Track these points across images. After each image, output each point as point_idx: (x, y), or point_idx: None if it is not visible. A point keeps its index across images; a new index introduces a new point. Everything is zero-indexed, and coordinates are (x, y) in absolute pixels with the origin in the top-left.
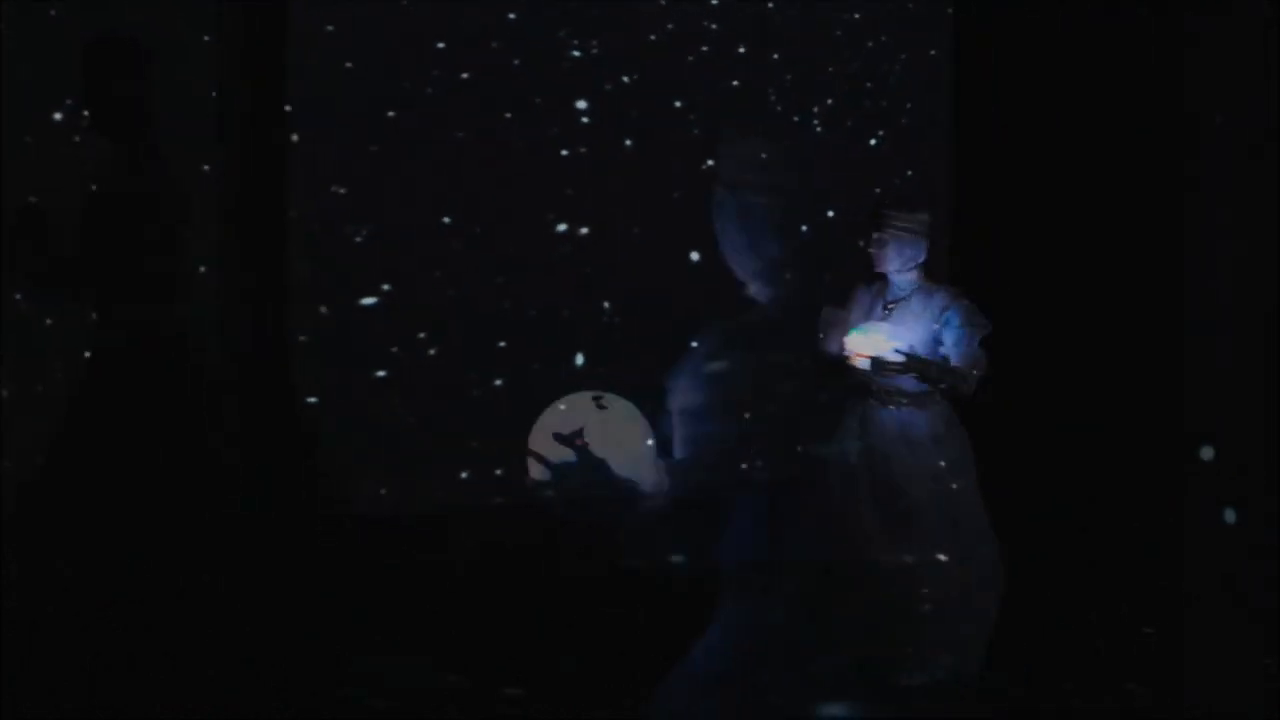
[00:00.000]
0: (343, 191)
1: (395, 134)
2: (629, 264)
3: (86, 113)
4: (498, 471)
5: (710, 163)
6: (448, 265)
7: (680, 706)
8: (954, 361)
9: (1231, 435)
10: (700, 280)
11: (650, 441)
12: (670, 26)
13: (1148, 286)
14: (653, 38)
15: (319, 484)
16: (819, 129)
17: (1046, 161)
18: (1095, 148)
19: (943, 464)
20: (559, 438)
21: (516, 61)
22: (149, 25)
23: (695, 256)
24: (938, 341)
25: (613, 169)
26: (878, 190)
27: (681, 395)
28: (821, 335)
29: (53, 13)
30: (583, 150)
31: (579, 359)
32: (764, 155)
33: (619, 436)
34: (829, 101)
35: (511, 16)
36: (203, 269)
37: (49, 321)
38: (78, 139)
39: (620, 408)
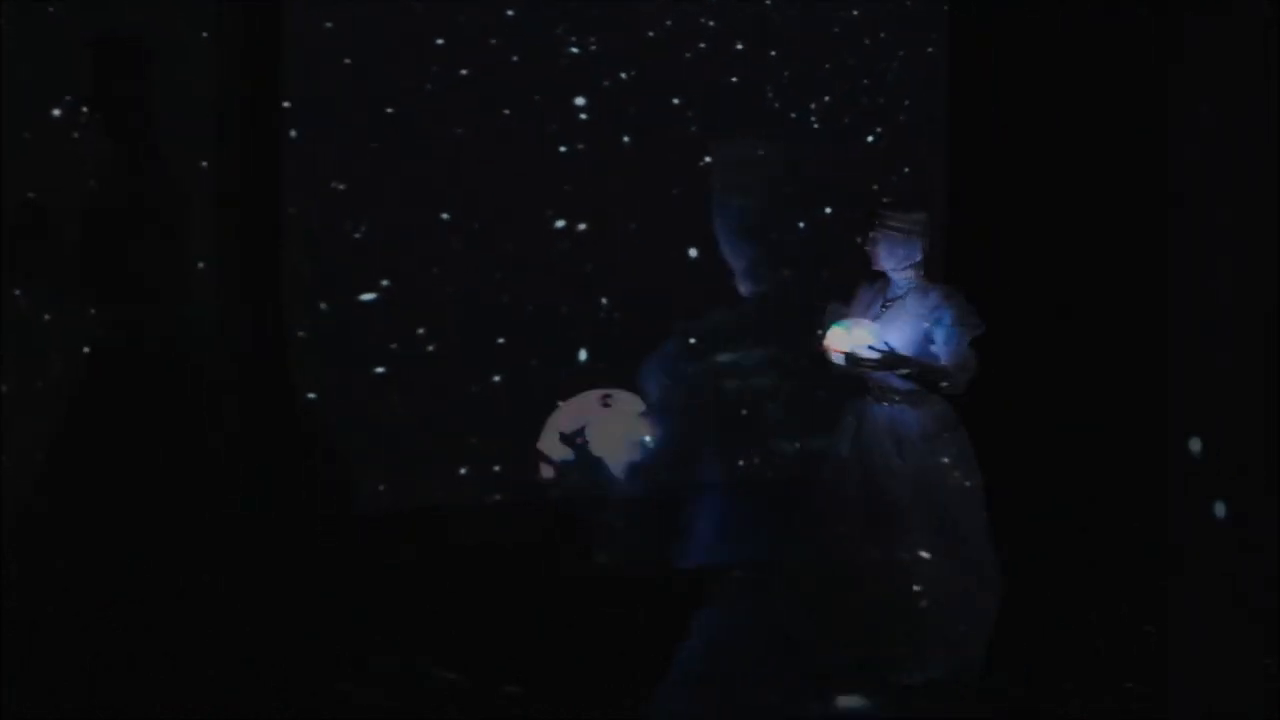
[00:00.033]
0: (342, 188)
1: (394, 131)
2: (627, 261)
3: (86, 109)
4: (496, 468)
5: (708, 159)
6: (446, 262)
7: (678, 707)
8: (943, 360)
9: (1225, 431)
10: (698, 277)
11: (648, 437)
12: (668, 24)
13: (1145, 284)
14: (651, 34)
15: (318, 482)
16: (816, 126)
17: (1042, 159)
18: (1091, 145)
19: (936, 462)
20: (563, 437)
21: (515, 58)
22: (147, 23)
23: (693, 253)
24: (930, 340)
25: (611, 166)
26: (875, 187)
27: (647, 395)
28: (820, 331)
29: (51, 9)
30: (581, 147)
31: (582, 355)
32: (758, 155)
33: (620, 431)
34: (826, 99)
35: (510, 13)
36: (201, 266)
37: (49, 320)
38: (76, 135)
39: (624, 402)
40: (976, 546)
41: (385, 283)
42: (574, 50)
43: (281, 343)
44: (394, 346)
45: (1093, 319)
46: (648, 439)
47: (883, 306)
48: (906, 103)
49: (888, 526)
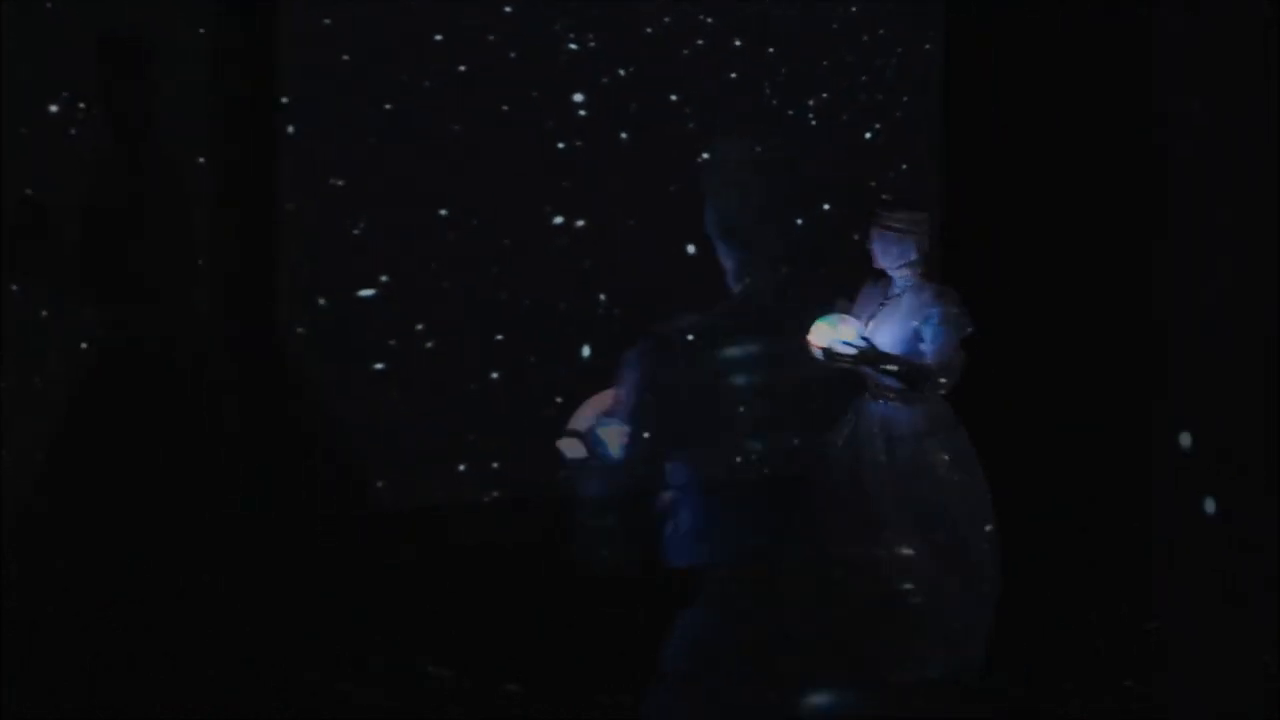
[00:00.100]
0: (340, 184)
1: (392, 128)
2: (625, 257)
3: (82, 106)
4: (494, 465)
5: (705, 155)
6: (445, 259)
7: (664, 707)
8: (928, 358)
9: (1217, 426)
10: (697, 273)
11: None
12: (667, 20)
13: (1139, 280)
14: (649, 31)
15: (318, 482)
16: (814, 123)
17: (1038, 155)
18: (1086, 143)
19: (928, 461)
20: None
21: (513, 55)
22: (144, 20)
23: (691, 249)
24: (919, 338)
25: (609, 163)
26: (872, 184)
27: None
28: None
29: (49, 5)
30: (579, 144)
31: (585, 351)
32: (752, 154)
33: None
34: (824, 96)
35: (508, 10)
36: (200, 264)
37: (49, 320)
38: (73, 131)
39: None
40: (975, 546)
41: (384, 278)
42: (573, 47)
43: (281, 340)
44: (392, 343)
45: (1090, 314)
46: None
47: (880, 304)
48: (905, 99)
49: (870, 524)
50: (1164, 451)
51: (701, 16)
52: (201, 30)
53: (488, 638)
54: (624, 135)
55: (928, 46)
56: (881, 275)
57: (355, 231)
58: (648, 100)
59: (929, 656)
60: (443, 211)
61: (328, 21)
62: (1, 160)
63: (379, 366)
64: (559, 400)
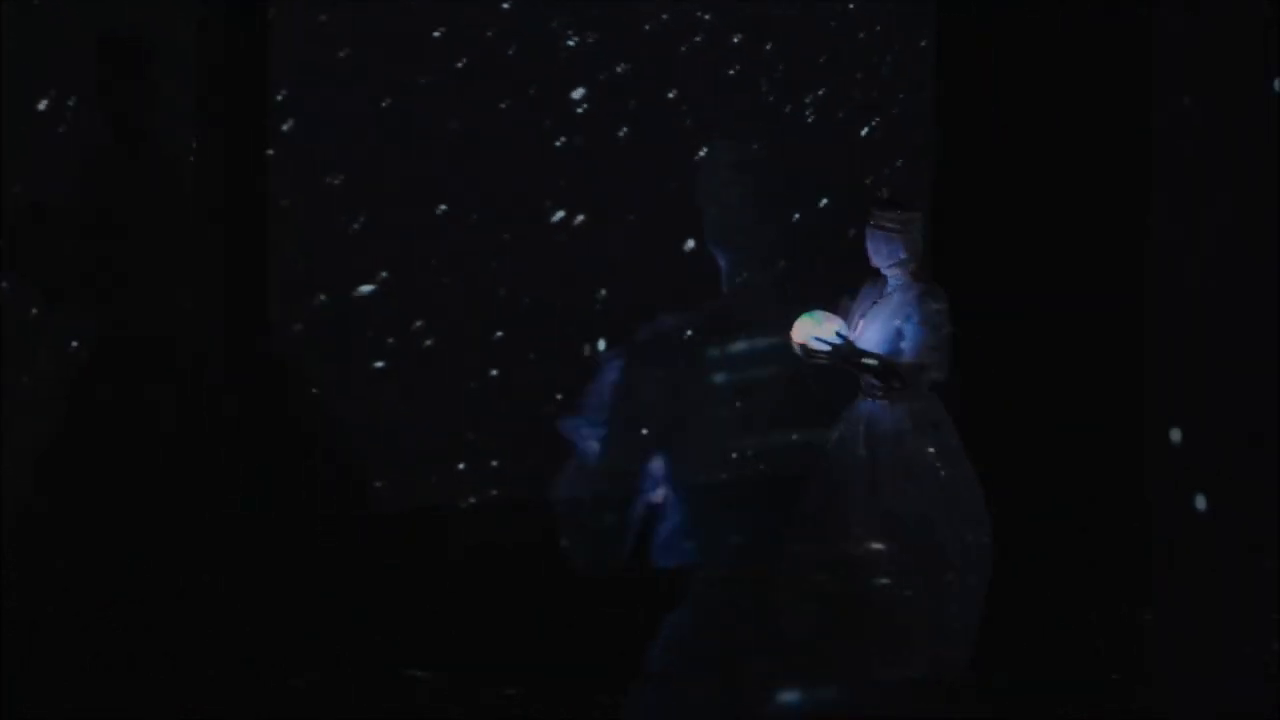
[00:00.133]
0: (338, 181)
1: (390, 123)
2: (625, 253)
3: (74, 102)
4: (494, 463)
5: (702, 153)
6: (443, 255)
7: (649, 706)
8: (905, 358)
9: (1207, 423)
10: (695, 268)
11: None
12: (665, 17)
13: (1131, 275)
14: (647, 28)
15: (318, 481)
16: (810, 119)
17: (1032, 151)
18: (1083, 140)
19: (910, 459)
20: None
21: (511, 51)
22: (138, 16)
23: (690, 245)
24: (901, 337)
25: (608, 159)
26: (869, 180)
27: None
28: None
29: (37, 1)
30: (579, 140)
31: (601, 344)
32: (747, 153)
33: None
34: (821, 92)
35: (506, 6)
36: (198, 261)
37: (48, 320)
38: (62, 129)
39: None
40: (960, 544)
41: (383, 274)
42: (571, 43)
43: (278, 338)
44: (391, 341)
45: (1088, 312)
46: None
47: (873, 303)
48: (901, 95)
49: (854, 522)
50: (1156, 449)
51: (699, 13)
52: (198, 27)
53: (487, 638)
54: (622, 132)
55: (923, 43)
56: (879, 273)
57: (353, 228)
58: (646, 97)
59: (912, 655)
60: (441, 208)
61: (324, 18)
62: (1, 160)
63: (378, 364)
64: (559, 397)
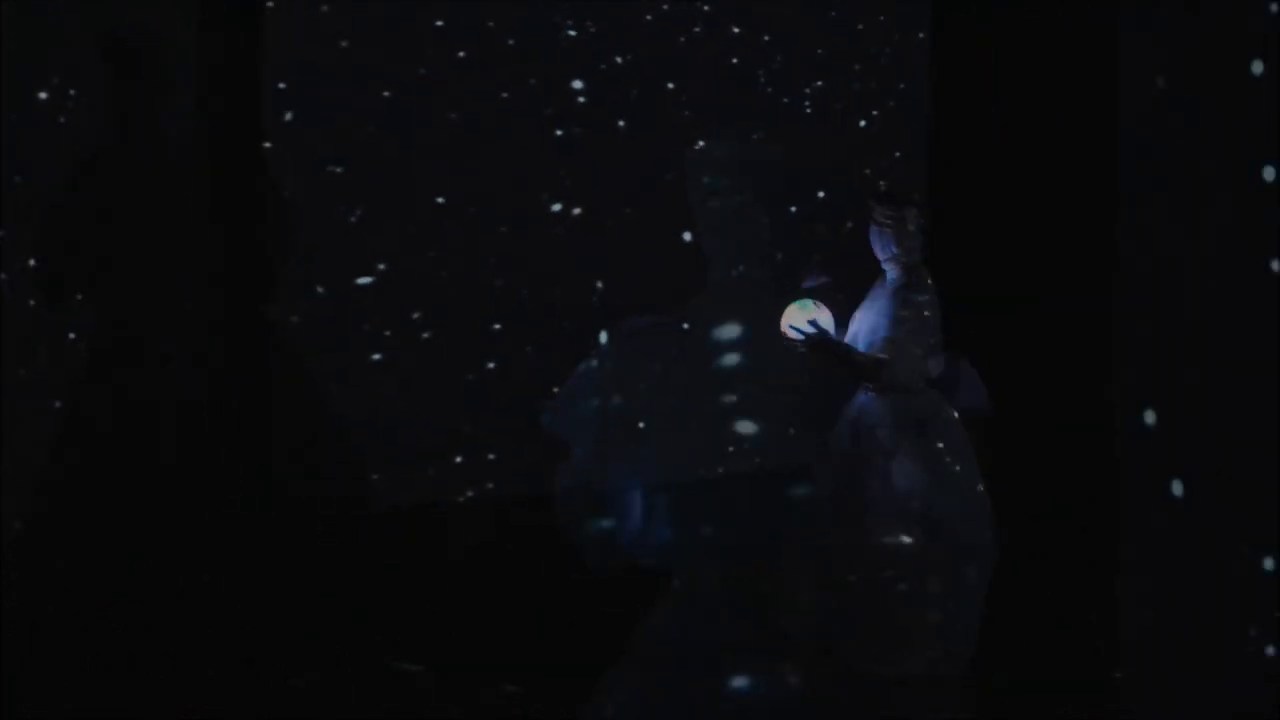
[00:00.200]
0: (337, 172)
1: (389, 115)
2: (623, 245)
3: (73, 93)
4: (491, 456)
5: (700, 143)
6: (442, 247)
7: (631, 693)
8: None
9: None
10: (694, 260)
11: None
12: (665, 8)
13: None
14: (648, 18)
15: (318, 480)
16: (809, 110)
17: (1027, 147)
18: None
19: (896, 454)
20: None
21: (511, 42)
22: (137, 10)
23: (688, 237)
24: (878, 331)
25: (607, 150)
26: (866, 171)
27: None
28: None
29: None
30: (577, 131)
31: (603, 336)
32: (734, 157)
33: None
34: (819, 84)
35: None
36: (196, 256)
37: (48, 319)
38: (62, 120)
39: None
40: (956, 538)
41: (382, 266)
42: (571, 34)
43: (277, 331)
44: (388, 333)
45: (1087, 309)
46: None
47: (874, 296)
48: (901, 86)
49: (835, 515)
50: (1130, 434)
51: (699, 4)
52: (197, 19)
53: (487, 637)
54: (622, 124)
55: (921, 35)
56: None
57: (352, 221)
58: (645, 88)
59: (911, 652)
60: (440, 200)
61: (325, 8)
62: (1, 158)
63: (376, 357)
64: (555, 390)
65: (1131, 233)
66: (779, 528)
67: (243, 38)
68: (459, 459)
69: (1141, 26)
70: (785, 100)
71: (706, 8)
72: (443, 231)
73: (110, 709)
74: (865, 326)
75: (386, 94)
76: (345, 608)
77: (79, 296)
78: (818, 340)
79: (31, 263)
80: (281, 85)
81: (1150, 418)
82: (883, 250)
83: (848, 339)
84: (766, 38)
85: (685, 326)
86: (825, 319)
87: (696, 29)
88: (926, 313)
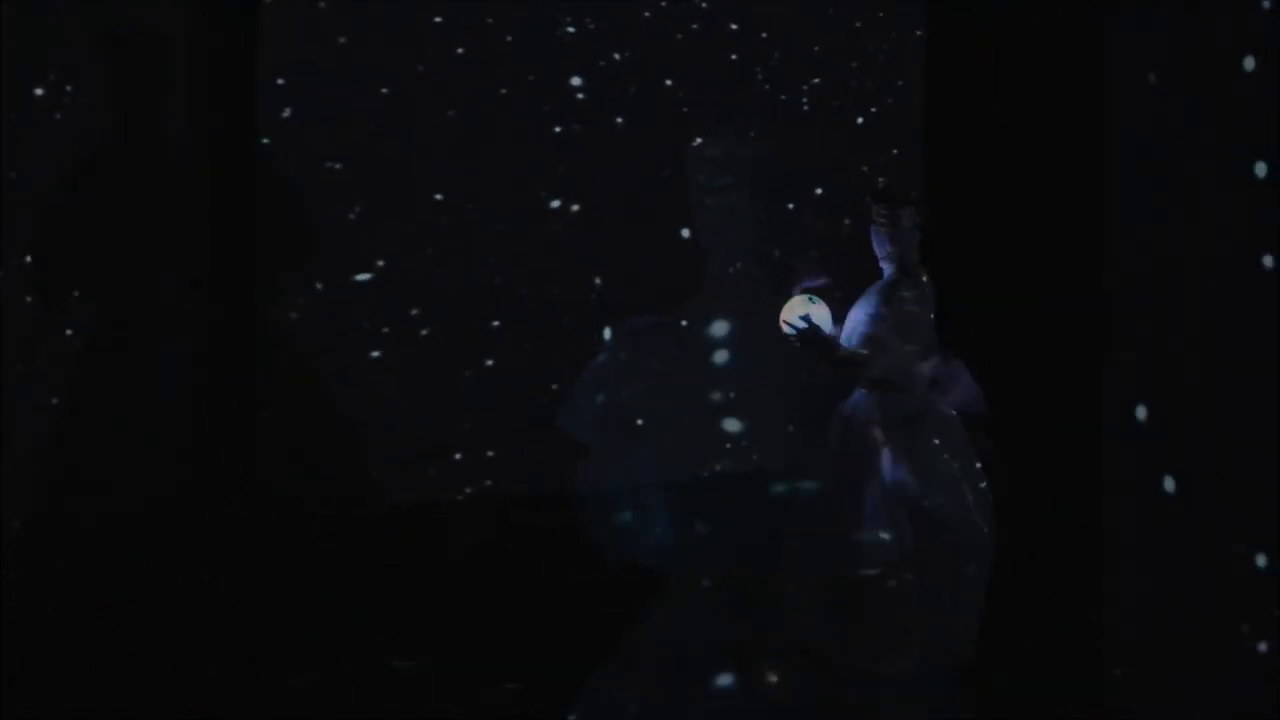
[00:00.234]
0: (336, 168)
1: (388, 111)
2: (621, 241)
3: (69, 89)
4: (490, 453)
5: (698, 140)
6: (440, 243)
7: (617, 691)
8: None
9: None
10: (692, 257)
11: None
12: (663, 4)
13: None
14: (647, 14)
15: (317, 480)
16: (806, 108)
17: (1025, 146)
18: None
19: (880, 452)
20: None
21: (510, 38)
22: (138, 3)
23: (686, 233)
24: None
25: (605, 146)
26: (864, 168)
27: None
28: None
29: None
30: (575, 127)
31: (606, 333)
32: (730, 156)
33: None
34: (817, 81)
35: None
36: (194, 253)
37: (48, 318)
38: (59, 116)
39: None
40: (953, 541)
41: (380, 263)
42: (569, 31)
43: (276, 327)
44: (387, 330)
45: (1085, 307)
46: None
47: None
48: (900, 83)
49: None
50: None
51: (697, 1)
52: (195, 15)
53: (486, 636)
54: (620, 120)
55: (919, 32)
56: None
57: (350, 217)
58: (643, 85)
59: (909, 648)
60: (438, 197)
61: (323, 5)
62: (1, 157)
63: (375, 354)
64: (554, 387)
65: (1123, 229)
66: (778, 527)
67: (241, 34)
68: (458, 456)
69: (1133, 22)
70: (783, 97)
71: (704, 5)
72: (441, 228)
73: (110, 709)
74: (851, 324)
75: (385, 91)
76: (345, 608)
77: (76, 294)
78: (810, 335)
79: (28, 259)
80: (280, 82)
81: (1142, 414)
82: (879, 249)
83: (842, 337)
84: (764, 35)
85: (684, 323)
86: (821, 315)
87: (695, 26)
88: (914, 310)
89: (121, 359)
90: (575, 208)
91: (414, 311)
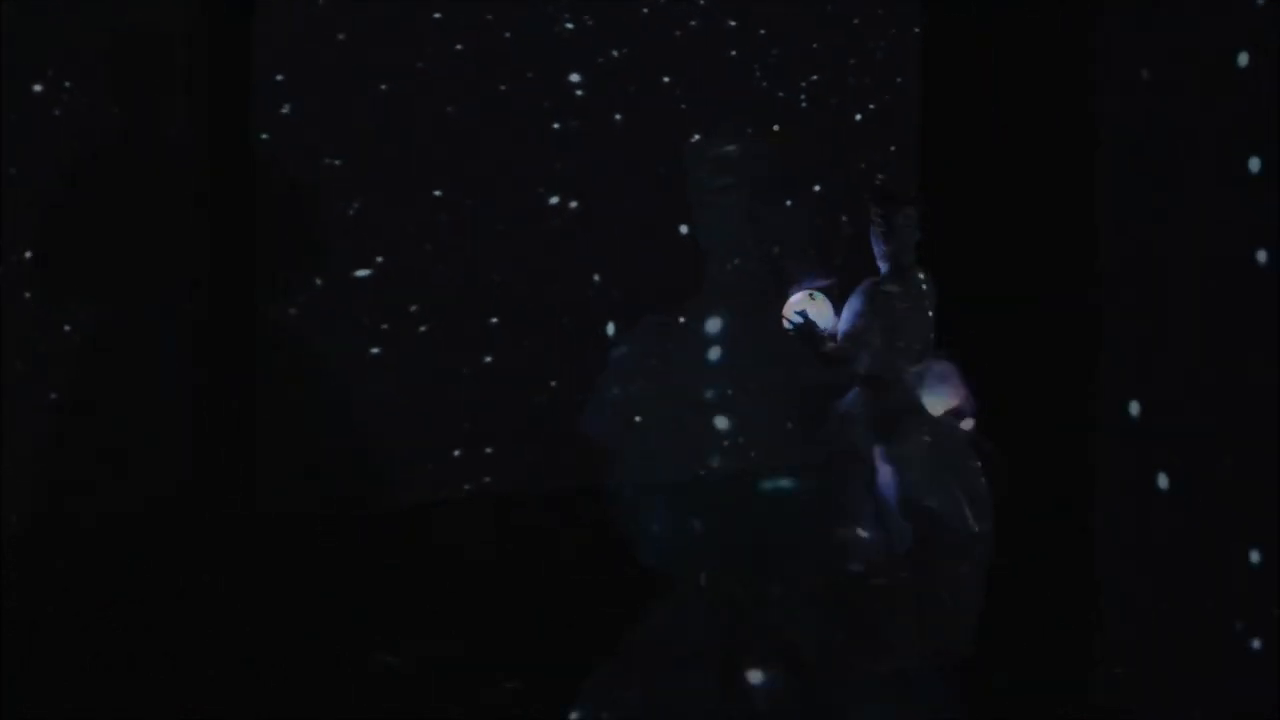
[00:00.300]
0: (336, 164)
1: (387, 107)
2: (620, 238)
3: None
4: (488, 450)
5: (696, 137)
6: (439, 239)
7: (615, 693)
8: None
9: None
10: (690, 253)
11: None
12: (661, 1)
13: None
14: (645, 12)
15: (318, 479)
16: (804, 104)
17: (1022, 143)
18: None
19: (865, 449)
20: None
21: (508, 35)
22: (136, 3)
23: (684, 229)
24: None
25: (604, 143)
26: (862, 165)
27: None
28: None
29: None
30: (574, 124)
31: (610, 328)
32: (728, 155)
33: None
34: (815, 78)
35: None
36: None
37: (48, 317)
38: (58, 112)
39: None
40: (948, 538)
41: (379, 259)
42: (568, 27)
43: (276, 326)
44: (385, 326)
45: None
46: None
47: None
48: (899, 79)
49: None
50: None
51: None
52: (194, 10)
53: (487, 636)
54: (618, 117)
55: (917, 29)
56: None
57: (349, 213)
58: (642, 82)
59: (904, 646)
60: (437, 193)
61: (322, 1)
62: (1, 156)
63: (375, 350)
64: (553, 384)
65: (1117, 224)
66: (776, 526)
67: (240, 30)
68: (456, 453)
69: (1127, 18)
70: (781, 94)
71: (703, 2)
72: (440, 225)
73: (110, 709)
74: (840, 321)
75: (384, 88)
76: (345, 608)
77: (75, 293)
78: (805, 331)
79: (28, 254)
80: (279, 78)
81: (1135, 409)
82: (876, 248)
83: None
84: (763, 32)
85: (682, 320)
86: (819, 311)
87: (693, 23)
88: (902, 308)
89: (121, 359)
90: (574, 204)
91: (413, 308)
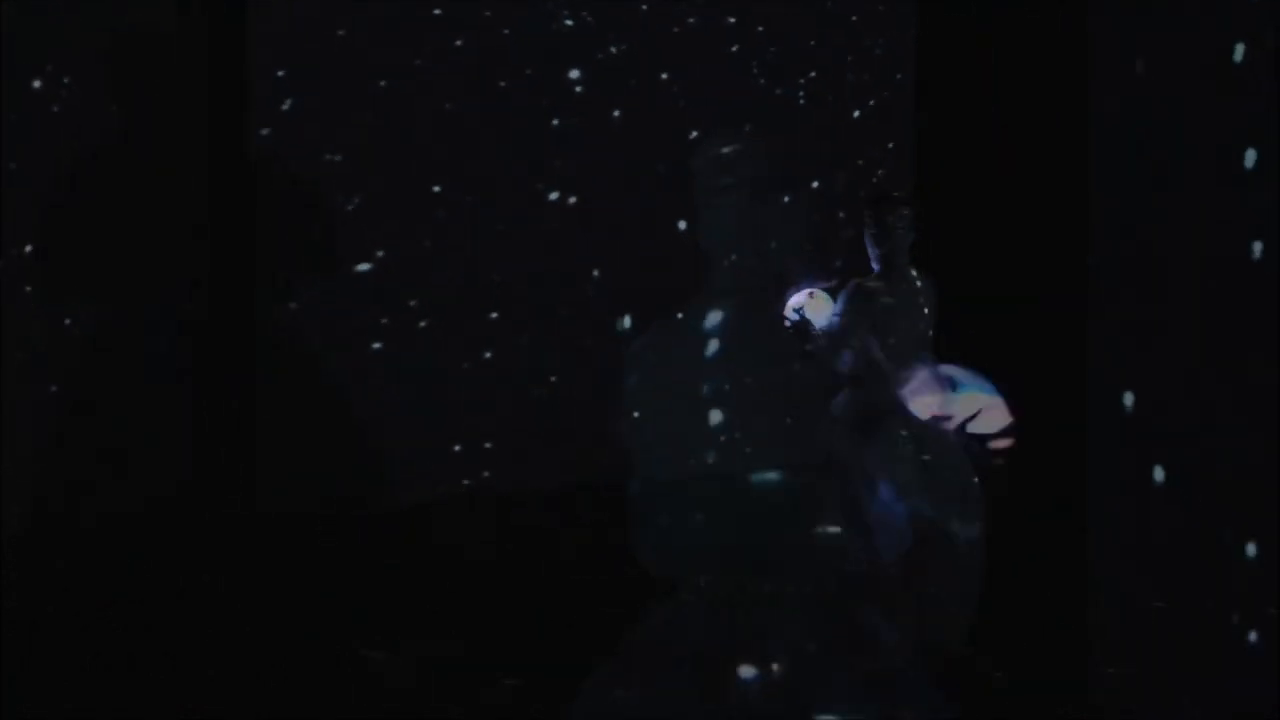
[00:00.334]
0: (335, 160)
1: (387, 103)
2: (619, 234)
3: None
4: (487, 445)
5: (695, 134)
6: (438, 235)
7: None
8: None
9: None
10: (689, 250)
11: None
12: None
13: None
14: (644, 9)
15: (318, 479)
16: (802, 101)
17: (1020, 140)
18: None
19: (854, 447)
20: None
21: (507, 31)
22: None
23: (683, 226)
24: None
25: (603, 139)
26: (860, 163)
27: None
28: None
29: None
30: (573, 120)
31: (626, 321)
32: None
33: None
34: (812, 75)
35: None
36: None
37: (48, 317)
38: (56, 109)
39: None
40: (942, 535)
41: (380, 254)
42: (567, 24)
43: (275, 324)
44: (385, 322)
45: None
46: None
47: None
48: (899, 76)
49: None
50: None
51: None
52: (193, 7)
53: (487, 636)
54: (617, 113)
55: (914, 28)
56: None
57: (349, 209)
58: (641, 79)
59: (898, 643)
60: (436, 189)
61: None
62: (1, 155)
63: (376, 345)
64: (552, 380)
65: (1110, 217)
66: (772, 525)
67: (240, 25)
68: (456, 448)
69: (1121, 12)
70: (779, 91)
71: None
72: (439, 221)
73: (110, 709)
74: (822, 320)
75: (383, 84)
76: (345, 607)
77: (75, 292)
78: (800, 328)
79: (28, 249)
80: (279, 74)
81: (1129, 400)
82: (870, 249)
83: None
84: (761, 29)
85: (680, 317)
86: (816, 308)
87: (692, 20)
88: (889, 308)
89: (121, 359)
90: (573, 200)
91: (412, 303)
